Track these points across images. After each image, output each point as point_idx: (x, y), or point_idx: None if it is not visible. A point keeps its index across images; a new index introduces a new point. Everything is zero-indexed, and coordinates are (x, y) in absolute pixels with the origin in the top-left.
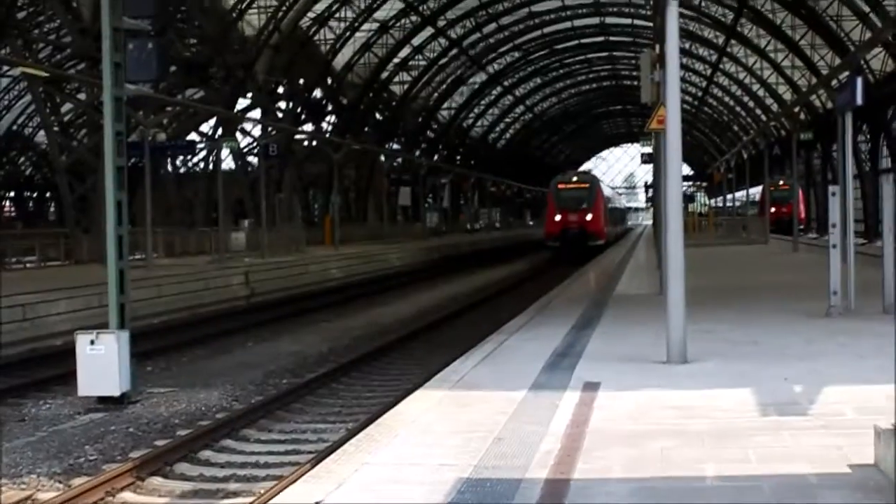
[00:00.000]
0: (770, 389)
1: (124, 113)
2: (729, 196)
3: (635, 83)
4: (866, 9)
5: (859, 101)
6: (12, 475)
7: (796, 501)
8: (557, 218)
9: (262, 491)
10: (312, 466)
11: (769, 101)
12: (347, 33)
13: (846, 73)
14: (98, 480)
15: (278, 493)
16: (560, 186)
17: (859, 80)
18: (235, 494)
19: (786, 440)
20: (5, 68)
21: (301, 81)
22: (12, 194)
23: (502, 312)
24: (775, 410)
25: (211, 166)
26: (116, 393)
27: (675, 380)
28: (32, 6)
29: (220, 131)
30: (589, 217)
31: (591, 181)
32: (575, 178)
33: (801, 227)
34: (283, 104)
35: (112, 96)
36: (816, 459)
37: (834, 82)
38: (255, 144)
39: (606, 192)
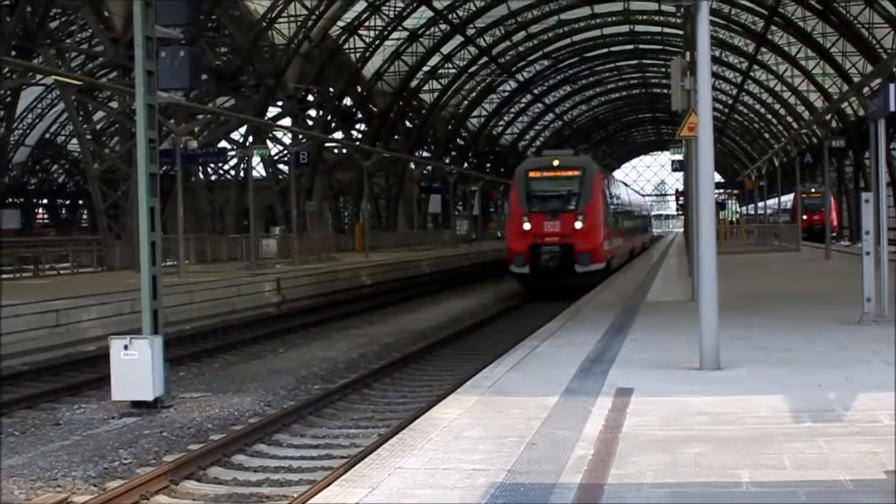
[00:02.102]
0: (804, 396)
1: (157, 121)
2: (760, 203)
3: (665, 90)
4: None
5: (892, 107)
6: (48, 478)
7: None
8: (526, 227)
9: (296, 495)
10: (346, 470)
11: (800, 108)
12: (377, 42)
13: (878, 80)
14: (132, 484)
15: (312, 496)
16: (532, 175)
17: (892, 87)
18: (269, 498)
19: (821, 446)
20: (39, 77)
21: (331, 90)
22: (45, 202)
23: (533, 319)
24: (809, 417)
25: (242, 174)
26: (150, 397)
27: (708, 386)
28: (65, 16)
29: (250, 139)
30: (579, 225)
31: (585, 166)
32: (557, 162)
33: (834, 234)
34: (313, 112)
35: (145, 104)
36: (852, 466)
37: (866, 89)
38: (285, 152)
39: (613, 186)
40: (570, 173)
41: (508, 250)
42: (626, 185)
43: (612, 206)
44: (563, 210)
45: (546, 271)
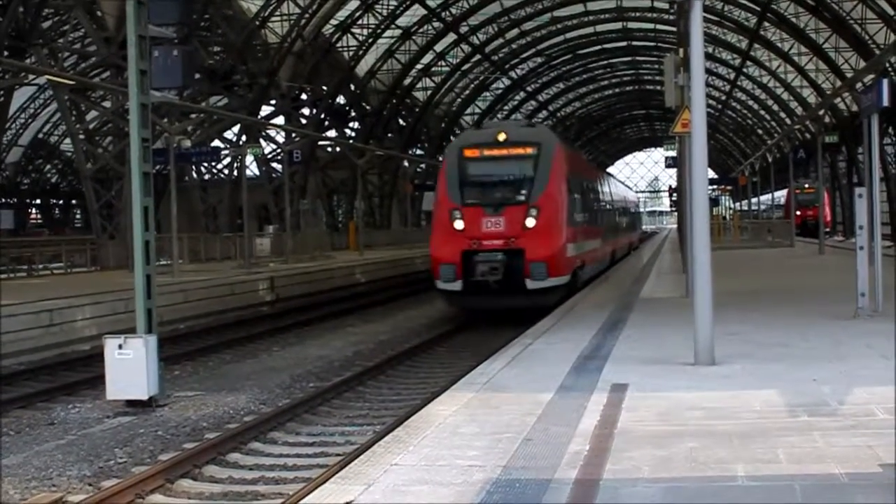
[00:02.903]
0: (799, 390)
1: (150, 120)
2: (754, 199)
3: (658, 87)
4: (891, 11)
5: (885, 102)
6: (43, 478)
7: (828, 501)
8: (457, 226)
9: (292, 492)
10: (341, 468)
11: (793, 104)
12: (370, 40)
13: (871, 76)
14: (127, 483)
15: (308, 493)
16: (468, 154)
17: (885, 83)
18: (264, 496)
19: (816, 440)
20: (31, 77)
21: (324, 88)
22: (39, 201)
23: (524, 318)
24: (804, 411)
25: (235, 173)
26: (144, 396)
27: (703, 381)
28: (57, 16)
29: (244, 138)
30: (531, 223)
31: (541, 141)
32: (503, 136)
33: (827, 230)
34: (306, 110)
35: (138, 103)
36: (847, 459)
37: (859, 85)
38: (278, 151)
39: (585, 169)
40: (520, 151)
41: (432, 259)
42: (608, 173)
43: (582, 196)
44: (510, 202)
45: (484, 288)
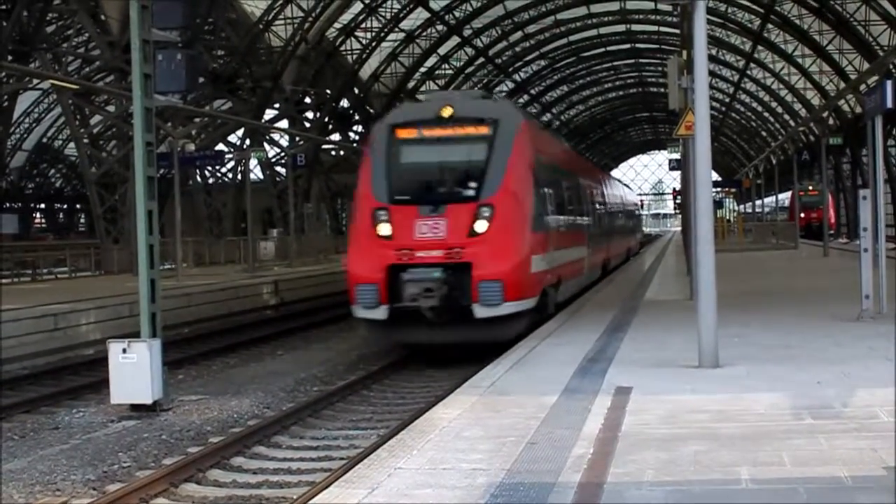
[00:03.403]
0: (803, 393)
1: (154, 124)
2: (758, 202)
3: (662, 90)
4: (895, 13)
5: (889, 104)
6: (47, 482)
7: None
8: (382, 232)
9: (296, 496)
10: (346, 471)
11: (797, 106)
12: (374, 43)
13: (875, 78)
14: (132, 487)
15: (312, 497)
16: (402, 135)
17: (889, 84)
18: (268, 500)
19: (820, 443)
20: (35, 81)
21: (328, 91)
22: (43, 206)
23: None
24: (809, 414)
25: (239, 176)
26: (149, 401)
27: (707, 384)
28: (61, 20)
29: (248, 142)
30: (481, 226)
31: (499, 118)
32: (449, 112)
33: (831, 232)
34: (310, 114)
35: (142, 107)
36: (851, 462)
37: (863, 86)
38: (282, 154)
39: (559, 155)
40: (471, 130)
41: (348, 277)
42: (596, 165)
43: (557, 191)
44: (455, 199)
45: (417, 317)
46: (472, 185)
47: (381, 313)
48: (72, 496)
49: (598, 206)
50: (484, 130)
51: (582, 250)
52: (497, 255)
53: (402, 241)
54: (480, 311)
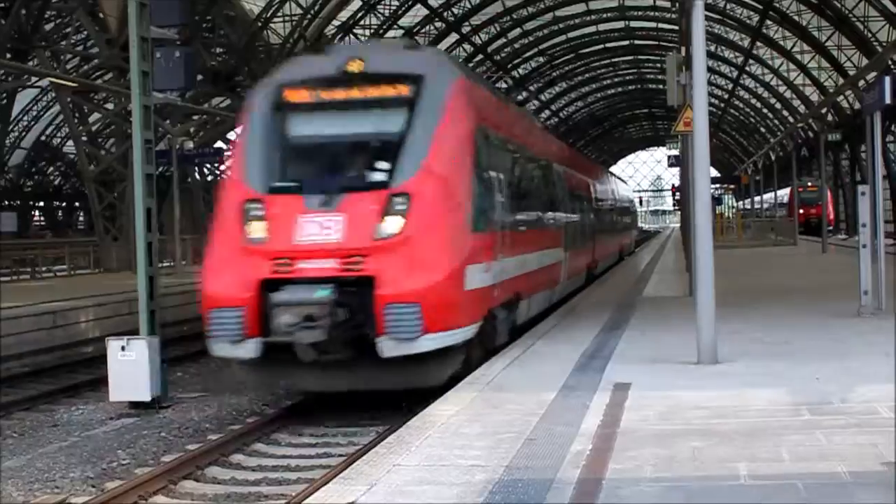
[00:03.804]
0: (802, 389)
1: (153, 121)
2: (757, 198)
3: (661, 86)
4: (893, 9)
5: (888, 100)
6: (45, 479)
7: (831, 500)
8: (254, 233)
9: (295, 493)
10: (344, 468)
11: (796, 102)
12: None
13: (874, 74)
14: (131, 484)
15: (311, 494)
16: (291, 98)
17: (887, 80)
18: (267, 497)
19: (819, 439)
20: (34, 79)
21: None
22: (42, 204)
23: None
24: (808, 410)
25: None
26: (148, 398)
27: (705, 380)
28: (59, 18)
29: None
30: (392, 226)
31: (427, 75)
32: (357, 66)
33: (830, 228)
34: None
35: (140, 105)
36: (850, 458)
37: (861, 83)
38: None
39: (520, 131)
40: (386, 92)
41: (203, 297)
42: (579, 151)
43: (513, 176)
44: (357, 186)
45: (297, 355)
46: (383, 166)
47: (249, 350)
48: (70, 493)
49: (580, 199)
50: (403, 91)
51: (555, 254)
52: (414, 265)
53: (279, 247)
54: (389, 348)
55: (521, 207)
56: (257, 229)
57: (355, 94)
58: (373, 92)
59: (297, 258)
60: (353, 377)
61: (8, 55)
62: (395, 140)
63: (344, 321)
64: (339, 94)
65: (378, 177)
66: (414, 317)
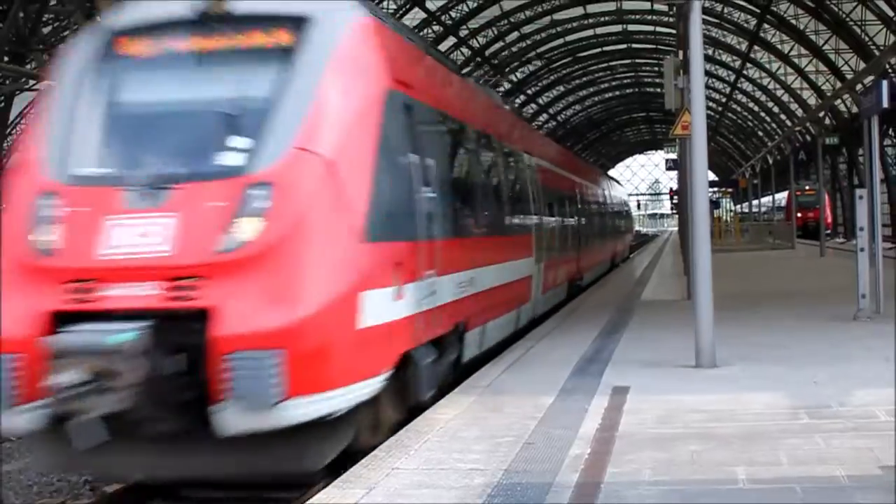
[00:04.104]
0: (800, 392)
1: None
2: (755, 201)
3: (658, 90)
4: (890, 13)
5: (885, 104)
6: (44, 483)
7: (829, 503)
8: (46, 242)
9: (294, 496)
10: (343, 471)
11: (794, 106)
12: None
13: (871, 77)
14: (130, 487)
15: (310, 498)
16: (126, 49)
17: (885, 84)
18: (267, 500)
19: (817, 443)
20: (32, 83)
21: None
22: None
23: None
24: (806, 413)
25: None
26: None
27: (704, 384)
28: (57, 21)
29: None
30: (247, 230)
31: (313, 17)
32: (220, 5)
33: (828, 231)
34: None
35: None
36: (848, 461)
37: (859, 86)
38: None
39: (463, 97)
40: (256, 40)
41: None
42: (569, 151)
43: (450, 164)
44: (197, 173)
45: (90, 429)
46: (240, 144)
47: (27, 420)
48: (69, 497)
49: (562, 199)
50: (282, 39)
51: (522, 266)
52: (276, 291)
53: (77, 262)
54: (232, 421)
55: (468, 207)
56: (48, 236)
57: (213, 44)
58: (239, 41)
59: (102, 280)
60: (187, 459)
61: (6, 58)
62: (261, 107)
63: (167, 377)
64: (191, 45)
65: (230, 160)
66: (272, 371)
